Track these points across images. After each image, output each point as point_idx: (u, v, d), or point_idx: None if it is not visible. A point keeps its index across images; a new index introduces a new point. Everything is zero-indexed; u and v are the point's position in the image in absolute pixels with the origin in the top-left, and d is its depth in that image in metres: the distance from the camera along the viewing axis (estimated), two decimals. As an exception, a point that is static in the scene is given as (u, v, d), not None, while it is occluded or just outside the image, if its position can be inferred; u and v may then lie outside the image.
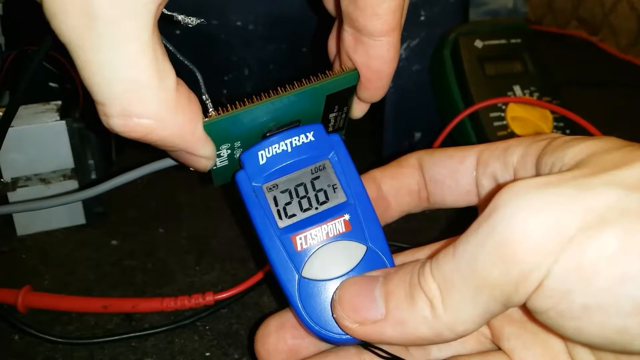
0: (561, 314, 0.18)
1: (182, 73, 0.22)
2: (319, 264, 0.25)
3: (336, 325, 0.24)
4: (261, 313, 0.34)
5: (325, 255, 0.25)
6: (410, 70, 0.46)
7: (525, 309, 0.19)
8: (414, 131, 0.48)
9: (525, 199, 0.18)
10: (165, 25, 0.21)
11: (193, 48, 0.43)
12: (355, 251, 0.25)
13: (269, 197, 0.26)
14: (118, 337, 0.31)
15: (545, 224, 0.17)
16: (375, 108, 0.30)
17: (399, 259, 0.27)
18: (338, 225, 0.25)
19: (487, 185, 0.26)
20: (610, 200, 0.17)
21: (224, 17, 0.44)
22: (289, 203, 0.26)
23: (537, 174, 0.22)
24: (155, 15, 0.20)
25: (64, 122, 0.39)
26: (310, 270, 0.25)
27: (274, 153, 0.26)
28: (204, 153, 0.23)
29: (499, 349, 0.25)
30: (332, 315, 0.24)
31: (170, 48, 0.22)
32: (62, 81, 0.43)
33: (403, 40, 0.44)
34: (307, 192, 0.26)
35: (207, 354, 0.31)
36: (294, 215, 0.25)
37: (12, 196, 0.39)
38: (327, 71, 0.26)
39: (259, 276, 0.35)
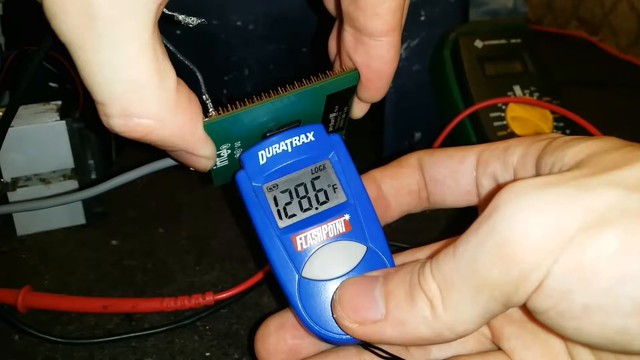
0: (561, 314, 0.18)
1: (182, 73, 0.22)
2: (319, 264, 0.25)
3: (336, 325, 0.24)
4: (261, 313, 0.34)
5: (326, 255, 0.25)
6: (410, 70, 0.46)
7: (525, 309, 0.19)
8: (414, 131, 0.48)
9: (525, 199, 0.18)
10: (165, 25, 0.21)
11: (193, 48, 0.43)
12: (355, 251, 0.25)
13: (269, 197, 0.26)
14: (118, 337, 0.31)
15: (545, 224, 0.17)
16: (375, 108, 0.30)
17: (399, 259, 0.27)
18: (338, 225, 0.25)
19: (487, 185, 0.26)
20: (611, 200, 0.17)
21: (224, 17, 0.44)
22: (289, 203, 0.26)
23: (537, 174, 0.22)
24: (156, 15, 0.20)
25: (64, 122, 0.39)
26: (311, 270, 0.25)
27: (274, 153, 0.26)
28: (204, 153, 0.23)
29: (499, 349, 0.25)
30: (332, 315, 0.24)
31: (171, 48, 0.22)
32: (62, 81, 0.43)
33: (403, 40, 0.44)
34: (307, 192, 0.26)
35: (207, 354, 0.31)
36: (294, 215, 0.25)
37: (12, 196, 0.39)
38: (327, 71, 0.26)
39: (259, 276, 0.35)
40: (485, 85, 0.44)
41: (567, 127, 0.44)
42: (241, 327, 0.33)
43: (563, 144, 0.21)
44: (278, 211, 0.25)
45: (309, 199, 0.26)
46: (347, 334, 0.23)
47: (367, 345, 0.24)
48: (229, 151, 0.25)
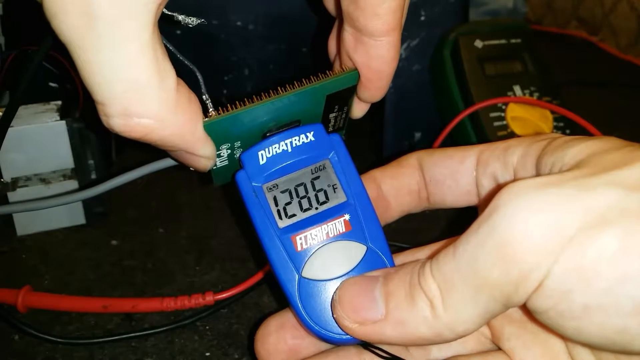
0: (561, 314, 0.18)
1: (182, 73, 0.22)
2: (319, 264, 0.25)
3: (336, 325, 0.24)
4: (261, 313, 0.34)
5: (326, 255, 0.25)
6: (410, 70, 0.46)
7: (525, 309, 0.19)
8: (414, 131, 0.48)
9: (525, 199, 0.18)
10: (165, 25, 0.21)
11: (193, 48, 0.43)
12: (355, 251, 0.25)
13: (269, 197, 0.26)
14: (118, 337, 0.31)
15: (546, 224, 0.17)
16: (375, 108, 0.30)
17: (399, 259, 0.27)
18: (338, 225, 0.25)
19: (487, 185, 0.26)
20: (611, 200, 0.17)
21: (224, 17, 0.44)
22: (289, 203, 0.26)
23: (537, 174, 0.22)
24: (156, 15, 0.20)
25: (64, 122, 0.39)
26: (311, 270, 0.25)
27: (274, 153, 0.26)
28: (204, 153, 0.23)
29: (499, 349, 0.25)
30: (332, 315, 0.24)
31: (170, 48, 0.22)
32: (62, 81, 0.43)
33: (403, 40, 0.44)
34: (307, 192, 0.26)
35: (207, 354, 0.31)
36: (294, 215, 0.25)
37: (12, 196, 0.39)
38: (327, 71, 0.26)
39: (259, 276, 0.35)
40: (485, 85, 0.44)
41: (567, 127, 0.44)
42: (241, 327, 0.33)
43: (563, 144, 0.21)
44: (278, 211, 0.25)
45: (309, 199, 0.26)
46: (347, 334, 0.23)
47: (367, 345, 0.24)
48: (229, 151, 0.25)
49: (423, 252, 0.27)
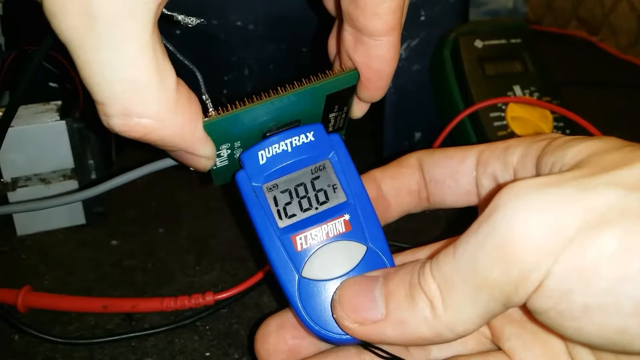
0: (561, 314, 0.18)
1: (182, 73, 0.22)
2: (319, 264, 0.25)
3: (336, 325, 0.24)
4: (261, 313, 0.34)
5: (325, 255, 0.25)
6: (410, 70, 0.46)
7: (525, 309, 0.19)
8: (414, 131, 0.48)
9: (525, 199, 0.18)
10: (165, 25, 0.21)
11: (193, 48, 0.43)
12: (355, 251, 0.25)
13: (269, 197, 0.26)
14: (118, 337, 0.31)
15: (546, 224, 0.17)
16: (375, 108, 0.30)
17: (399, 259, 0.27)
18: (338, 225, 0.25)
19: (487, 185, 0.26)
20: (611, 201, 0.17)
21: (224, 17, 0.44)
22: (289, 203, 0.26)
23: (537, 174, 0.22)
24: (156, 15, 0.20)
25: (64, 122, 0.39)
26: (310, 270, 0.25)
27: (274, 153, 0.26)
28: (204, 153, 0.23)
29: (499, 349, 0.25)
30: (332, 315, 0.24)
31: (170, 48, 0.22)
32: (62, 81, 0.43)
33: (403, 40, 0.44)
34: (307, 192, 0.26)
35: (207, 354, 0.31)
36: (294, 215, 0.25)
37: (12, 196, 0.39)
38: (327, 71, 0.26)
39: (259, 276, 0.35)
40: (485, 85, 0.44)
41: (567, 127, 0.44)
42: (241, 327, 0.33)
43: (563, 144, 0.21)
44: (278, 211, 0.25)
45: (308, 199, 0.26)
46: (347, 334, 0.23)
47: (367, 345, 0.24)
48: (229, 151, 0.25)
49: (423, 252, 0.27)
